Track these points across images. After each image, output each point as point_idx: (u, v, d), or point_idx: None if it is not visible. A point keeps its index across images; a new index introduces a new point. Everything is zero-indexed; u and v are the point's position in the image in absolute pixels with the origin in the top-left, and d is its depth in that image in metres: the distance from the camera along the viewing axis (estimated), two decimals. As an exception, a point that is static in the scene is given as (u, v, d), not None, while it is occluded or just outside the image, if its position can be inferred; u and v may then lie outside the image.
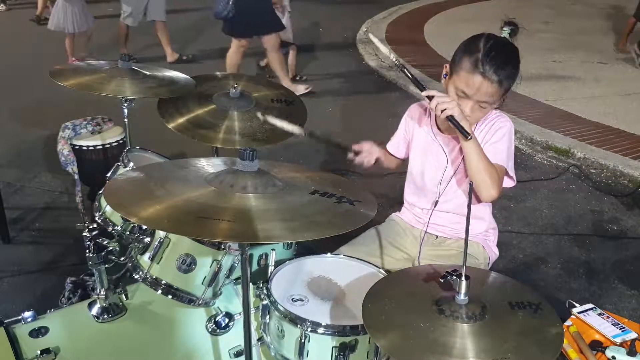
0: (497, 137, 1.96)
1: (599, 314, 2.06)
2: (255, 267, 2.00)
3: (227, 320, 1.85)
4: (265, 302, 1.70)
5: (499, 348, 1.28)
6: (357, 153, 2.14)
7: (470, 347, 1.27)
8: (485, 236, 2.15)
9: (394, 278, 1.66)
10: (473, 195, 1.92)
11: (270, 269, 1.78)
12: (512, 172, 1.99)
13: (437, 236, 2.15)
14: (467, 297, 1.36)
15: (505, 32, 1.92)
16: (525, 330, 1.34)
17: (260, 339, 1.81)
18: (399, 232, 2.22)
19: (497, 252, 2.20)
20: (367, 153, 2.16)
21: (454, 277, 1.36)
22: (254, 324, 1.80)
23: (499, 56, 1.85)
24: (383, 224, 2.27)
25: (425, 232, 2.14)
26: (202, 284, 1.81)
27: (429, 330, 1.31)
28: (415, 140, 2.15)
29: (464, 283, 1.35)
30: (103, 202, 2.15)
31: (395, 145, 2.25)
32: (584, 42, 7.72)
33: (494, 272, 1.62)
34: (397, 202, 2.36)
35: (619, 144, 4.67)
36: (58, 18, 6.26)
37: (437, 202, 2.10)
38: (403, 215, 2.27)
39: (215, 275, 1.81)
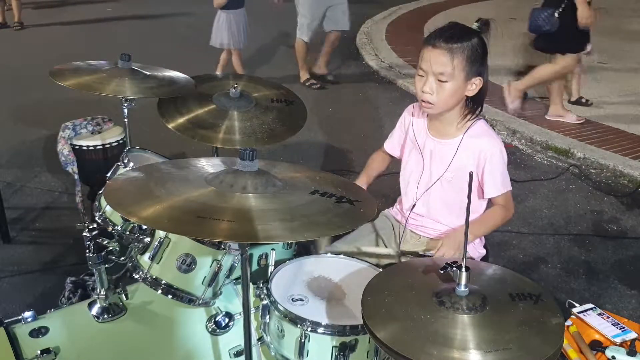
0: (495, 166, 2.00)
1: (599, 314, 2.06)
2: (255, 267, 2.00)
3: (227, 320, 1.85)
4: (265, 302, 1.70)
5: (500, 339, 1.28)
6: None
7: (471, 338, 1.27)
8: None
9: (394, 271, 1.66)
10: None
11: (270, 269, 1.78)
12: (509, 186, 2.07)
13: (420, 236, 2.18)
14: (467, 289, 1.36)
15: (475, 26, 1.96)
16: (526, 320, 1.33)
17: (260, 338, 1.81)
18: (389, 228, 2.26)
19: (483, 252, 2.21)
20: None
21: (454, 269, 1.36)
22: (254, 324, 1.80)
23: (451, 30, 1.93)
24: (377, 219, 2.29)
25: (404, 229, 2.18)
26: (202, 283, 1.81)
27: (430, 322, 1.31)
28: (407, 138, 2.18)
29: (464, 274, 1.35)
30: (103, 202, 2.15)
31: (392, 144, 2.29)
32: (583, 42, 7.71)
33: (494, 264, 1.62)
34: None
35: (619, 144, 4.67)
36: (222, 34, 5.69)
37: (414, 205, 2.14)
38: (393, 211, 2.31)
39: (215, 275, 1.81)
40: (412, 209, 2.14)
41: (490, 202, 2.10)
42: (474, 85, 1.95)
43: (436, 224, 2.13)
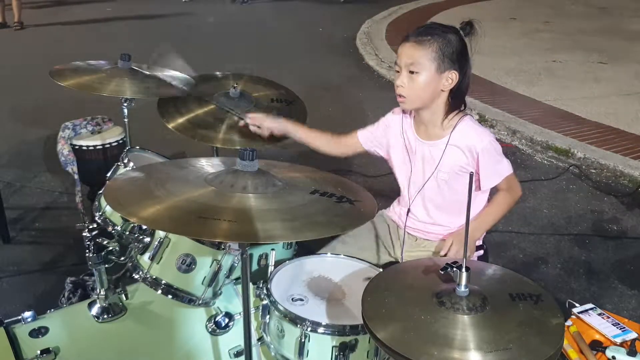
0: (487, 158, 1.98)
1: (599, 314, 2.06)
2: (255, 267, 2.00)
3: (227, 320, 1.85)
4: (265, 302, 1.70)
5: (500, 339, 1.28)
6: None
7: (472, 338, 1.27)
8: None
9: (394, 271, 1.66)
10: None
11: (270, 269, 1.78)
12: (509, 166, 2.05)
13: (416, 238, 2.17)
14: (467, 289, 1.35)
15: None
16: (526, 321, 1.33)
17: (260, 338, 1.81)
18: (386, 229, 2.25)
19: (479, 252, 2.19)
20: (258, 125, 2.23)
21: (455, 269, 1.36)
22: (254, 324, 1.80)
23: (423, 26, 1.95)
24: (375, 218, 2.28)
25: (405, 232, 2.17)
26: (202, 284, 1.81)
27: (430, 323, 1.31)
28: (393, 142, 2.14)
29: (464, 275, 1.35)
30: (103, 202, 2.15)
31: (367, 137, 2.22)
32: (584, 42, 7.72)
33: (494, 264, 1.62)
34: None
35: (619, 144, 4.67)
36: None
37: (408, 210, 2.13)
38: (390, 213, 2.29)
39: (215, 275, 1.81)
40: (408, 214, 2.13)
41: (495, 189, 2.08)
42: (450, 80, 1.93)
43: (435, 227, 2.12)
